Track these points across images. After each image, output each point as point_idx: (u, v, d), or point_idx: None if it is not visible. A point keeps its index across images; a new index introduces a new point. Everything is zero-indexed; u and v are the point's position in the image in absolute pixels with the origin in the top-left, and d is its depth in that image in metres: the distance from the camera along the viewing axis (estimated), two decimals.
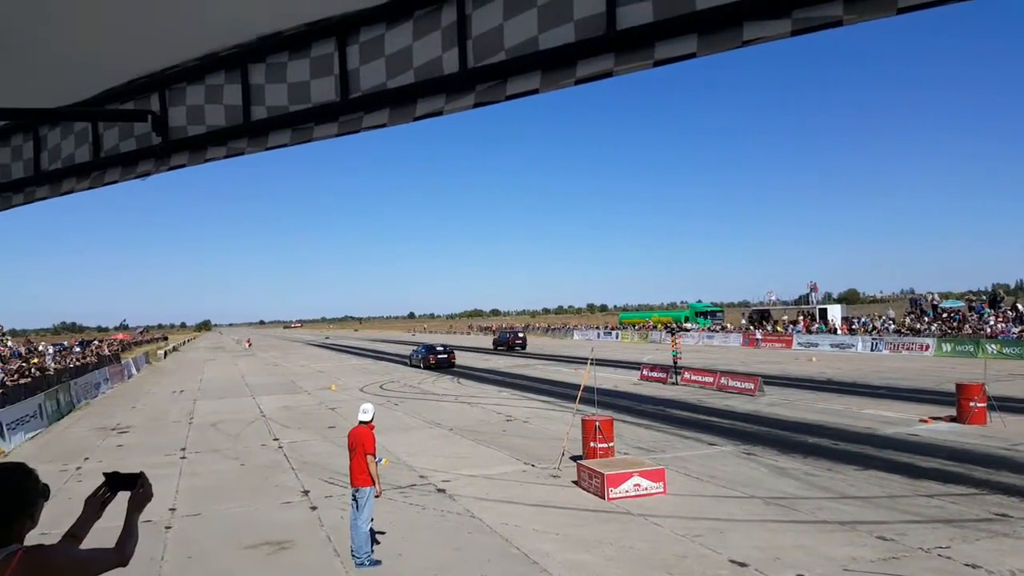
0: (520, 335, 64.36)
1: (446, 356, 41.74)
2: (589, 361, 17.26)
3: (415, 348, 47.37)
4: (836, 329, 51.36)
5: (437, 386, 32.19)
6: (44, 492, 2.50)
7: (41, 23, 2.42)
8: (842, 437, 16.85)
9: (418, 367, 42.19)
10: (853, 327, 50.54)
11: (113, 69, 2.79)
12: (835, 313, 55.16)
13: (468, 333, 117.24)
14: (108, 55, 2.66)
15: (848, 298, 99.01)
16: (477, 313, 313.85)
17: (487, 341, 76.12)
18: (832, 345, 47.99)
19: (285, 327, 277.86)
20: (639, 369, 32.99)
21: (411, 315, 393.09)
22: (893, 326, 48.16)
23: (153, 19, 2.40)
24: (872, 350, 44.87)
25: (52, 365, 32.74)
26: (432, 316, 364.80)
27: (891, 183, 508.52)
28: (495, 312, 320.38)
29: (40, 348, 39.63)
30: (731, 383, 26.36)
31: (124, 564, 2.53)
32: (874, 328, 48.61)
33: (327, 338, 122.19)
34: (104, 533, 2.64)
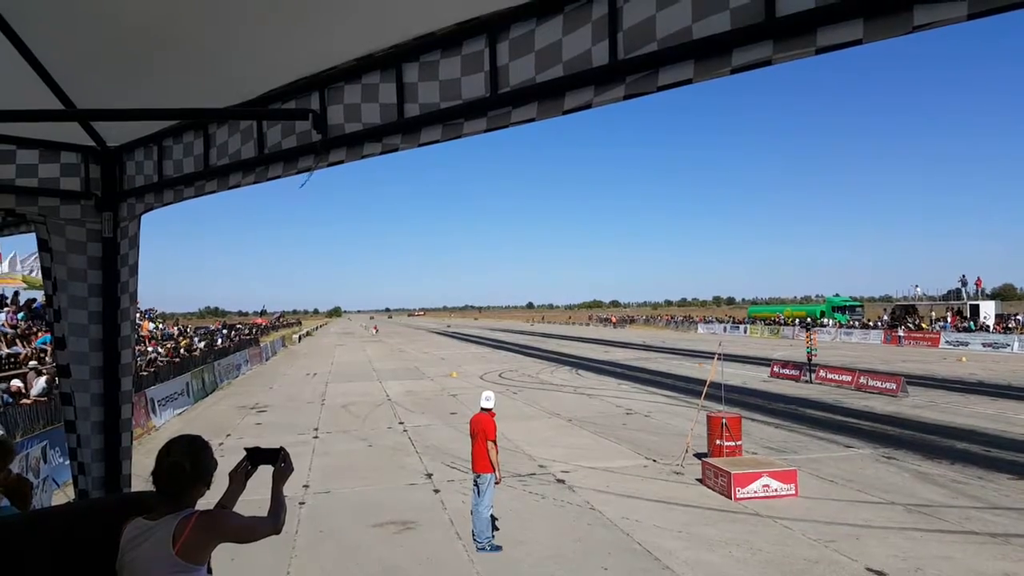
0: None
1: None
2: (716, 356, 16.77)
3: None
4: (989, 327, 47.47)
5: (556, 376, 32.34)
6: (216, 463, 2.77)
7: (214, 27, 2.61)
8: (995, 443, 15.59)
9: None
10: (1009, 325, 46.51)
11: (277, 71, 2.99)
12: (988, 310, 50.95)
13: (587, 324, 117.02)
14: (273, 58, 2.86)
15: (1003, 294, 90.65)
16: (597, 304, 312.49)
17: (607, 333, 75.45)
18: (984, 344, 44.49)
19: (409, 315, 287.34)
20: (769, 365, 31.86)
21: (530, 305, 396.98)
22: None
23: (315, 24, 2.54)
24: None
25: (200, 346, 35.26)
26: (551, 307, 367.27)
27: None
28: (615, 303, 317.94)
29: (189, 331, 42.83)
30: (871, 382, 24.92)
31: (278, 531, 2.77)
32: None
33: (448, 326, 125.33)
34: (246, 505, 2.84)
